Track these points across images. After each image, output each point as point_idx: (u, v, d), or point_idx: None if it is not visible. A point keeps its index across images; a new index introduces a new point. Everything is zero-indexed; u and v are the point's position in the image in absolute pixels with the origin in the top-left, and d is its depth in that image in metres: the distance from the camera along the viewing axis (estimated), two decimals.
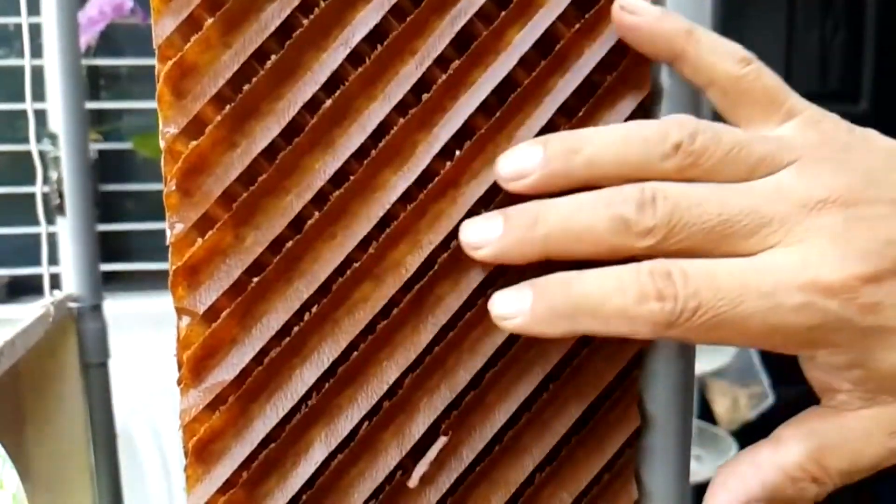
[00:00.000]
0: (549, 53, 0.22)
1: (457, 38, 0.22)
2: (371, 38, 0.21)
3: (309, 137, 0.21)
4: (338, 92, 0.21)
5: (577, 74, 0.22)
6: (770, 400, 1.51)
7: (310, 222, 0.21)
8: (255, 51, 0.20)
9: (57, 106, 0.71)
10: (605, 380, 0.22)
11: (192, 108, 0.20)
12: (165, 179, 0.20)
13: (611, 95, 0.22)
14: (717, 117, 0.22)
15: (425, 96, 0.22)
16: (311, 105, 0.21)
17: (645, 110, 0.22)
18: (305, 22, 0.20)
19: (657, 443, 0.23)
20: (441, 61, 0.22)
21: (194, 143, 0.20)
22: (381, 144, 0.21)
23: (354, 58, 0.21)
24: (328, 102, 0.21)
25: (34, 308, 0.52)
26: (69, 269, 0.61)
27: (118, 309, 0.77)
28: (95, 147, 1.60)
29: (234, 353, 0.21)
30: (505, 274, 0.22)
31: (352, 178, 0.21)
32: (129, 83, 1.73)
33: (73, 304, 0.58)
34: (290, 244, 0.21)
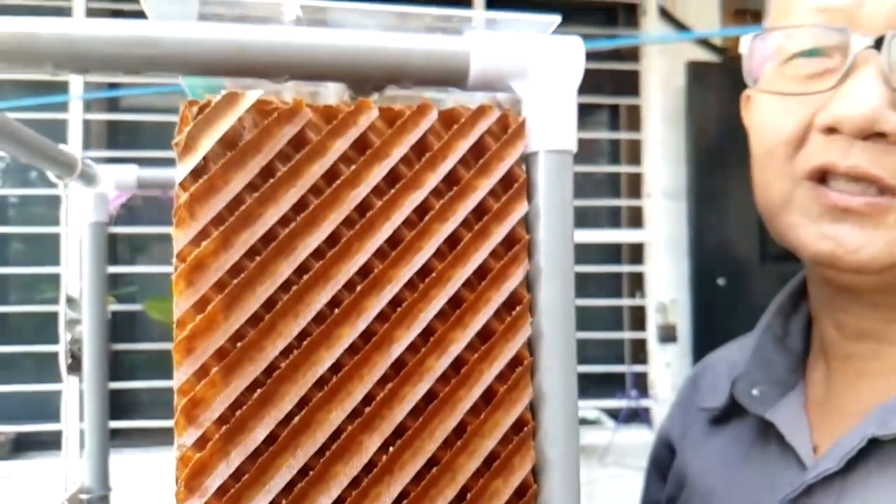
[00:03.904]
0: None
1: None
2: None
3: (281, 445, 0.29)
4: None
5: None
6: None
7: None
8: (248, 386, 0.29)
9: (83, 272, 0.77)
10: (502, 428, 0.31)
11: (201, 428, 0.28)
12: (176, 479, 0.28)
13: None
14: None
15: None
16: (286, 420, 0.29)
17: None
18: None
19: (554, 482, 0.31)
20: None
21: (199, 454, 0.28)
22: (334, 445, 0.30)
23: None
24: (297, 419, 0.29)
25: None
26: (82, 429, 0.67)
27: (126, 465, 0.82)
28: (109, 309, 1.69)
29: None
30: None
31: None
32: (145, 249, 1.86)
33: (84, 496, 0.64)
34: None
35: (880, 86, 0.41)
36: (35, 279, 1.74)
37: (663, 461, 0.63)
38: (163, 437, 1.78)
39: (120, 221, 1.78)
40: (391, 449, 0.30)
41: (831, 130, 0.42)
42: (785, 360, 0.53)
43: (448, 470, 0.31)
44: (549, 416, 0.32)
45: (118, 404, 1.73)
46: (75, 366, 0.90)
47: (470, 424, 0.31)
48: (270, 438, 0.29)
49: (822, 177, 0.44)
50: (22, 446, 1.70)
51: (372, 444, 0.30)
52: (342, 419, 0.30)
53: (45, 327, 1.71)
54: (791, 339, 0.54)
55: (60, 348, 0.80)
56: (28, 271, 1.73)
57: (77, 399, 0.78)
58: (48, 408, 1.72)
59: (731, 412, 0.54)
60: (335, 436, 0.30)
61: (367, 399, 0.30)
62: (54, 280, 1.71)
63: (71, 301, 1.23)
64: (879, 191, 0.42)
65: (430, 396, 0.31)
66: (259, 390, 0.29)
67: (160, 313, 1.59)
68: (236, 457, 0.29)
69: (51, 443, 1.66)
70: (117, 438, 1.69)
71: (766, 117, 0.47)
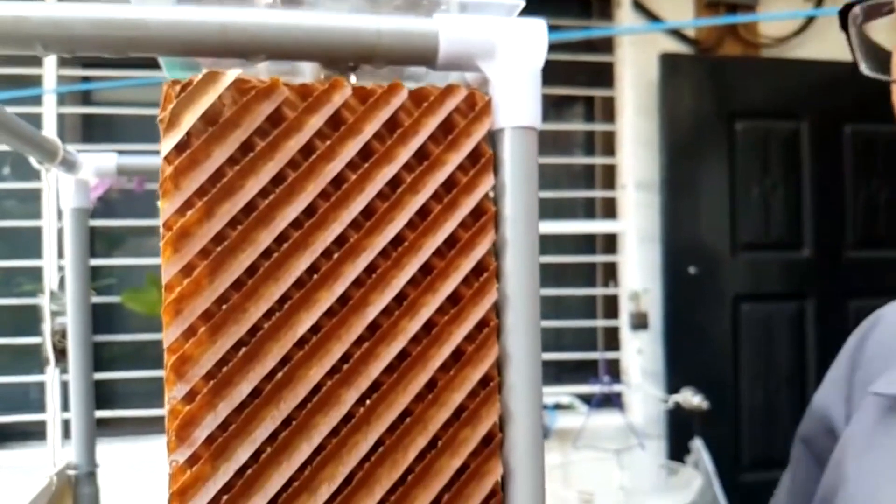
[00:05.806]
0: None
1: None
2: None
3: (265, 398, 0.31)
4: (286, 366, 0.32)
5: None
6: None
7: (264, 456, 0.31)
8: (233, 344, 0.31)
9: (66, 259, 0.79)
10: (470, 383, 0.33)
11: (189, 383, 0.30)
12: (167, 431, 0.30)
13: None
14: None
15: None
16: (270, 376, 0.32)
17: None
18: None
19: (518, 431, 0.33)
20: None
21: (188, 406, 0.30)
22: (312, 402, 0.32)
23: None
24: (279, 374, 0.32)
25: (38, 479, 0.60)
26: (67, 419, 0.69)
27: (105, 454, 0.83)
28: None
29: None
30: None
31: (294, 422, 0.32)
32: (121, 242, 1.86)
33: (71, 472, 0.66)
34: (249, 472, 0.31)
35: None
36: (11, 273, 1.73)
37: (819, 444, 0.49)
38: (141, 427, 1.78)
39: (96, 214, 1.78)
40: (368, 402, 0.32)
41: None
42: None
43: (420, 420, 0.33)
44: (513, 371, 0.34)
45: (96, 395, 1.73)
46: (58, 356, 0.91)
47: (440, 380, 0.34)
48: (255, 392, 0.31)
49: None
50: (3, 437, 1.70)
51: (350, 397, 0.32)
52: (321, 375, 0.32)
53: (20, 321, 1.71)
54: None
55: (46, 339, 0.81)
56: (9, 265, 1.73)
57: (59, 389, 0.80)
58: (27, 399, 1.72)
59: None
60: (315, 390, 0.32)
61: (345, 357, 0.33)
62: (31, 273, 1.71)
63: (52, 293, 1.23)
64: None
65: (403, 355, 0.33)
66: (244, 349, 0.31)
67: (138, 304, 1.59)
68: (223, 409, 0.31)
69: (32, 433, 1.66)
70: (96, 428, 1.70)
71: None
